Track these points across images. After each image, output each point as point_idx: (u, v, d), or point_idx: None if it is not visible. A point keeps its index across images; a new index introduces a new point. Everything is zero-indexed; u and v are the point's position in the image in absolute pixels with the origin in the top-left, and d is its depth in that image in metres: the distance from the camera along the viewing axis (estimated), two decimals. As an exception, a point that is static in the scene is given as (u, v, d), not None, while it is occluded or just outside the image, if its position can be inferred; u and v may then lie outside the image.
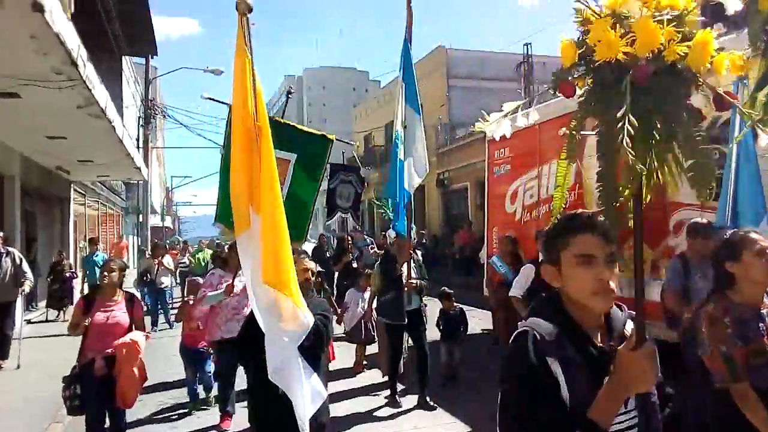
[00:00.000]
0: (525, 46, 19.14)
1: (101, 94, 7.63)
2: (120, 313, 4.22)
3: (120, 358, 4.06)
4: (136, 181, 23.08)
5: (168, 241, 40.46)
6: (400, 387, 6.26)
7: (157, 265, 10.10)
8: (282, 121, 4.71)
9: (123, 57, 16.73)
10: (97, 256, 10.99)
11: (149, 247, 20.29)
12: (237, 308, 4.96)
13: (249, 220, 2.66)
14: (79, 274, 11.63)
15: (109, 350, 4.08)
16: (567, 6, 1.57)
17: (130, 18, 14.52)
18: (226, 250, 7.63)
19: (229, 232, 4.69)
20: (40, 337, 9.57)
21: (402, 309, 5.31)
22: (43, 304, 11.93)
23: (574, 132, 1.60)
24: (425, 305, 5.71)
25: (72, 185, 15.49)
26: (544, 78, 19.95)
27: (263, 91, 2.75)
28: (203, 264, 13.66)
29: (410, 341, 5.85)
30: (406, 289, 5.34)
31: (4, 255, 7.71)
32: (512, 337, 1.50)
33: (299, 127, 4.84)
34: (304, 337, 2.62)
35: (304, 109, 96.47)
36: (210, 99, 4.55)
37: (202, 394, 6.06)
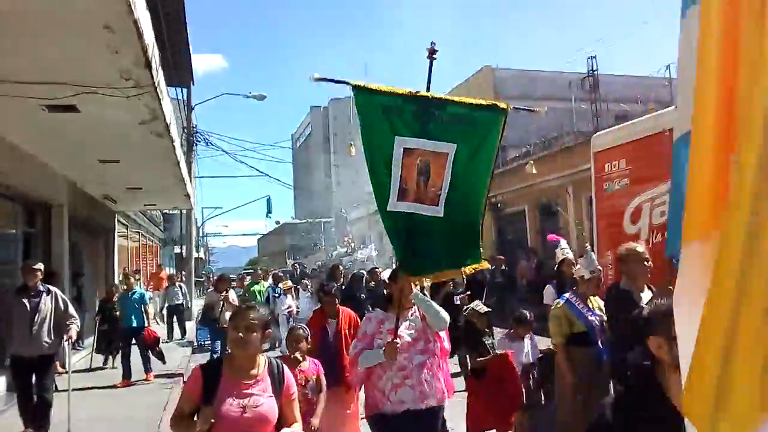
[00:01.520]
0: (590, 60, 17.96)
1: (168, 107, 6.72)
2: (265, 399, 2.55)
3: None
4: (177, 211, 22.41)
5: (203, 272, 39.92)
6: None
7: (222, 301, 8.87)
8: (428, 95, 3.35)
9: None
10: (134, 293, 9.11)
11: (186, 278, 19.27)
12: (406, 369, 3.48)
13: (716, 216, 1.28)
14: None
15: None
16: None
17: (169, 46, 13.77)
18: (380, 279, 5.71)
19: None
20: (86, 388, 8.07)
21: None
22: (89, 341, 10.81)
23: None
24: None
25: (116, 215, 14.73)
26: (608, 95, 18.77)
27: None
28: (258, 298, 12.46)
29: None
30: None
31: (44, 294, 6.05)
32: None
33: (454, 99, 3.44)
34: None
35: (331, 139, 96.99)
36: (322, 80, 3.42)
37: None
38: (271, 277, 13.88)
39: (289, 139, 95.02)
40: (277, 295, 11.87)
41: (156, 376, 8.79)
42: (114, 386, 8.30)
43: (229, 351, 2.66)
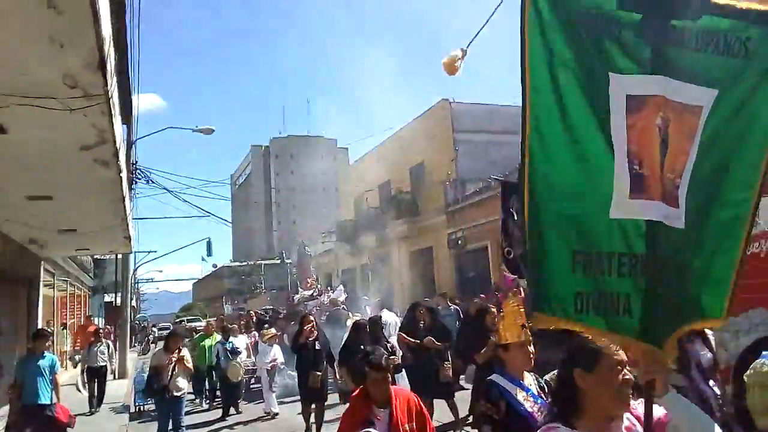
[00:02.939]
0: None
1: (119, 127, 5.50)
2: None
3: None
4: (110, 256, 20.33)
5: (135, 322, 36.92)
6: None
7: (174, 364, 7.23)
8: None
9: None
10: (43, 357, 7.37)
11: (121, 329, 17.11)
12: None
13: None
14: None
15: None
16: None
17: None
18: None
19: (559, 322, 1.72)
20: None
21: None
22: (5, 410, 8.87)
23: None
24: None
25: (42, 262, 12.85)
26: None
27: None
28: (209, 356, 10.84)
29: None
30: None
31: None
32: None
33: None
34: None
35: (272, 179, 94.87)
36: None
37: None
38: (220, 329, 11.17)
39: (227, 179, 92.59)
40: (229, 349, 10.15)
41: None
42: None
43: None
